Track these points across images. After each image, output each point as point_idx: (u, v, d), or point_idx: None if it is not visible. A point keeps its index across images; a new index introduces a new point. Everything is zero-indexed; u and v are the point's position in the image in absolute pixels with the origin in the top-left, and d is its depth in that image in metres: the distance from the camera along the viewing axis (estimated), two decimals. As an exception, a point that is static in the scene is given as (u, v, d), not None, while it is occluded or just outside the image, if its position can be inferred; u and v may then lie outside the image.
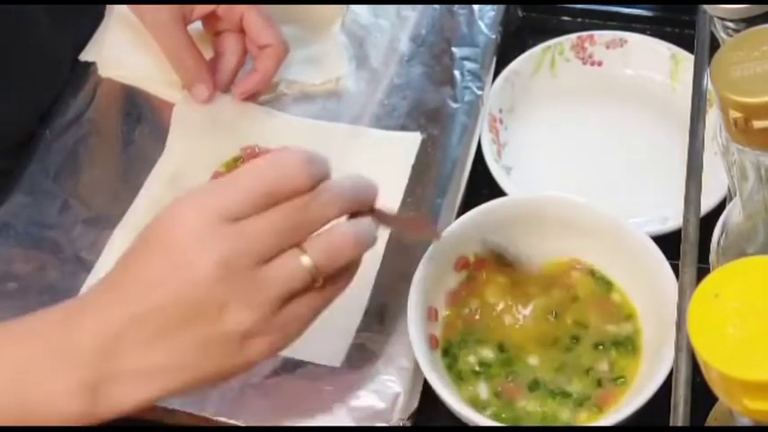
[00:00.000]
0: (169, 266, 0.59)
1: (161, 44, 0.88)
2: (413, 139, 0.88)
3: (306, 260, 0.60)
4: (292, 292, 0.61)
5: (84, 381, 0.59)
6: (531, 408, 0.72)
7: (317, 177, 0.61)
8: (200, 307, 0.58)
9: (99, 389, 0.59)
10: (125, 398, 0.60)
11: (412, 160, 0.87)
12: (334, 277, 0.63)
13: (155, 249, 0.60)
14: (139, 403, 0.60)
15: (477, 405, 0.72)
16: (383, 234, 0.81)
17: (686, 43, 0.90)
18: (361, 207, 0.64)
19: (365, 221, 0.64)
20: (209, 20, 0.90)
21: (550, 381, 0.74)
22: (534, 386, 0.73)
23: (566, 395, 0.73)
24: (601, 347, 0.75)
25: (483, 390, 0.73)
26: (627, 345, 0.75)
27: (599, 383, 0.73)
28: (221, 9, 0.88)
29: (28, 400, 0.59)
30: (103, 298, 0.61)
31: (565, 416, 0.72)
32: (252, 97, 0.90)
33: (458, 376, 0.74)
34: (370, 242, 0.64)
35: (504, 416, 0.72)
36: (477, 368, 0.74)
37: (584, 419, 0.72)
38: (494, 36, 0.94)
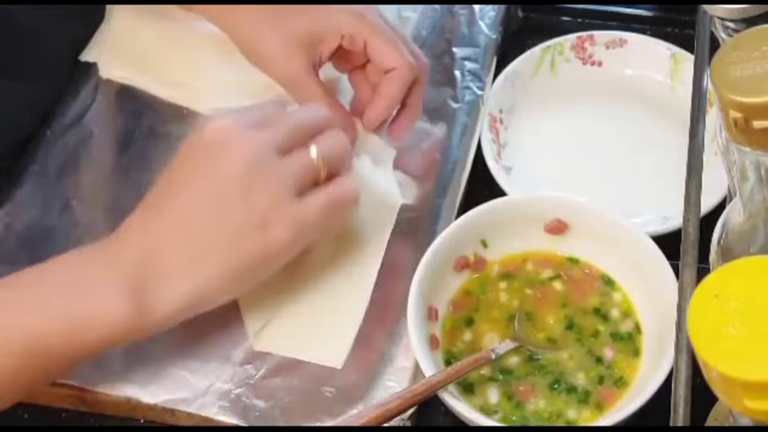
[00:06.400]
0: (205, 164, 0.70)
1: (296, 99, 0.83)
2: (413, 139, 0.88)
3: (313, 150, 0.73)
4: (304, 182, 0.72)
5: (128, 286, 0.67)
6: (539, 407, 0.72)
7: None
8: (227, 194, 0.69)
9: (142, 292, 0.68)
10: (164, 297, 0.68)
11: (412, 160, 0.87)
12: (334, 175, 0.74)
13: (194, 158, 0.71)
14: (176, 303, 0.69)
15: (487, 411, 0.72)
16: (383, 235, 0.81)
17: (686, 43, 0.90)
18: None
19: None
20: (338, 58, 0.85)
21: (559, 374, 0.74)
22: (543, 381, 0.73)
23: (571, 390, 0.73)
24: (602, 340, 0.75)
25: (493, 395, 0.73)
26: (627, 342, 0.75)
27: (600, 380, 0.73)
28: (346, 41, 0.82)
29: (81, 309, 0.67)
30: (145, 214, 0.71)
31: (570, 414, 0.72)
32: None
33: (467, 390, 0.73)
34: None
35: (513, 418, 0.72)
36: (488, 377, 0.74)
37: (587, 417, 0.72)
38: (494, 36, 0.94)
